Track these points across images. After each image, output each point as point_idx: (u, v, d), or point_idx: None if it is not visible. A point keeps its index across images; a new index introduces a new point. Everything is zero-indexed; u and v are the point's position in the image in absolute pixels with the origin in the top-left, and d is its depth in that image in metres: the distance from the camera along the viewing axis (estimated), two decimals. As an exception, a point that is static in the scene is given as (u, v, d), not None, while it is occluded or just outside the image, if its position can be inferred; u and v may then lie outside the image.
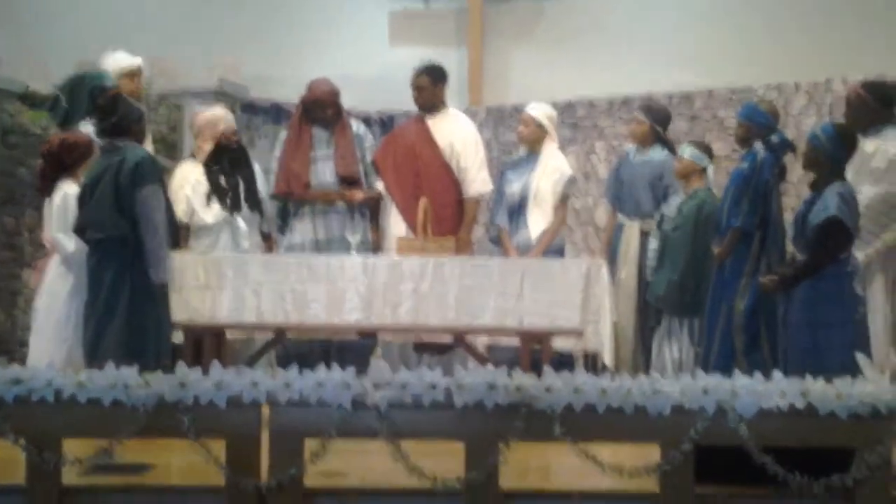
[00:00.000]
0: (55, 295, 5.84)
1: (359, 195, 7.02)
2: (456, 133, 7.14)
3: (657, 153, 6.99)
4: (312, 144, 7.07)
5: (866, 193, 5.79)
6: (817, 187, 5.42)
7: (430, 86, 7.17)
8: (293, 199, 7.03)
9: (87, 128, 6.17)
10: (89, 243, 5.68)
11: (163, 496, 4.05)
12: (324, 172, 7.04)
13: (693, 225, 6.49)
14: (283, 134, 7.29)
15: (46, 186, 6.00)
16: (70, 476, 4.02)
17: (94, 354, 5.49)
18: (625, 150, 7.41)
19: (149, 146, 6.53)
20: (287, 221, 7.10)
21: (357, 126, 7.22)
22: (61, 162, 5.96)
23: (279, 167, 7.08)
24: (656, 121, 7.03)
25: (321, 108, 7.07)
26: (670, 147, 6.97)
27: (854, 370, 4.11)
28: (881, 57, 8.41)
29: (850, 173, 5.57)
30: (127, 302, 5.56)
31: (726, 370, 4.12)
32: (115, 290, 5.56)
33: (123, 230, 5.59)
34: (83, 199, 5.70)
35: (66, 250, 5.84)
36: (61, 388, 3.94)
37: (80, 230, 5.71)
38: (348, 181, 7.03)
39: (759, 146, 6.01)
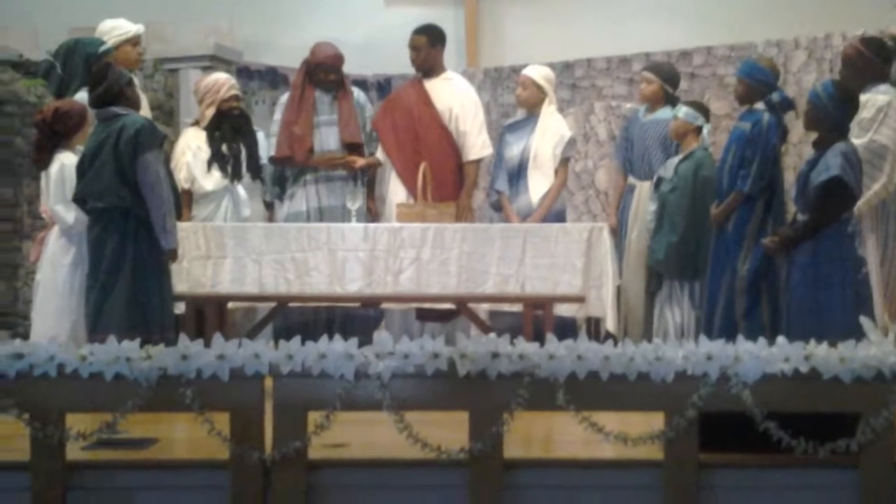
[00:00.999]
0: (56, 267, 5.80)
1: (360, 161, 6.98)
2: (454, 96, 7.08)
3: (666, 112, 6.84)
4: (315, 108, 7.02)
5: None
6: (820, 146, 5.38)
7: (428, 46, 7.11)
8: (293, 165, 6.99)
9: (84, 96, 6.11)
10: (90, 213, 5.63)
11: (167, 470, 4.05)
12: (327, 139, 7.00)
13: (691, 186, 6.42)
14: (283, 98, 7.23)
15: (43, 157, 5.93)
16: (74, 451, 4.03)
17: (96, 326, 5.47)
18: (633, 110, 7.33)
19: (146, 113, 6.47)
20: (285, 188, 7.06)
21: (357, 94, 7.18)
22: (56, 131, 5.89)
23: (280, 130, 7.02)
24: (666, 80, 6.93)
25: (324, 72, 7.02)
26: (679, 106, 6.87)
27: (856, 332, 4.08)
28: (880, 11, 8.34)
29: (848, 130, 5.53)
30: (129, 272, 5.52)
31: (730, 335, 4.10)
32: (117, 260, 5.53)
33: (125, 199, 5.54)
34: (82, 169, 5.64)
35: (66, 222, 5.80)
36: (63, 362, 3.94)
37: (80, 200, 5.66)
38: (352, 148, 7.00)
39: (760, 107, 5.96)
